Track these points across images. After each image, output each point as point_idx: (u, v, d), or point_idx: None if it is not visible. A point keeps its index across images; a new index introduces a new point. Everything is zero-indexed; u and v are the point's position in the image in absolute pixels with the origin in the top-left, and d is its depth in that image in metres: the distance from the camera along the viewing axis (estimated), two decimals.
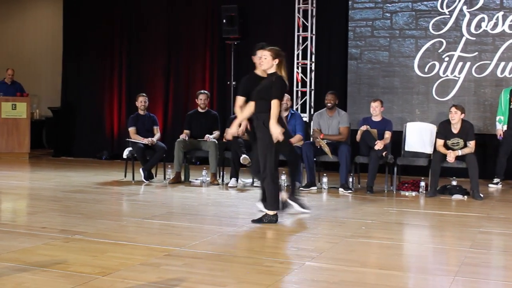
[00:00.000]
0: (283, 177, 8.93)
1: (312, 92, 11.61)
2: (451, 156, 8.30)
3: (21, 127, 12.80)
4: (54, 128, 14.39)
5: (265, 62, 6.16)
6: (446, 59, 10.65)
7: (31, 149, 13.08)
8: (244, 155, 8.59)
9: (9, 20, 16.02)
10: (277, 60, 6.13)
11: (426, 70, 10.78)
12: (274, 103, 6.04)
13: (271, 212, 6.19)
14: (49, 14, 15.55)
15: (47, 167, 11.63)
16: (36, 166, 11.75)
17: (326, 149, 8.70)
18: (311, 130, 9.51)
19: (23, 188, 9.00)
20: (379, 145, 8.53)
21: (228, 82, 12.06)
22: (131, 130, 9.67)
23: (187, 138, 9.44)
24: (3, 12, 16.00)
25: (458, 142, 8.44)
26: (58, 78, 14.19)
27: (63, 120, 13.90)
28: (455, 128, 8.44)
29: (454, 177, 8.68)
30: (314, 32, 11.57)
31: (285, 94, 9.46)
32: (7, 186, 9.00)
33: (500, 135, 9.49)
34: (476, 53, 10.49)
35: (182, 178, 9.45)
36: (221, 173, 9.52)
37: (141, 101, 9.82)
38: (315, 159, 8.92)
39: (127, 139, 9.77)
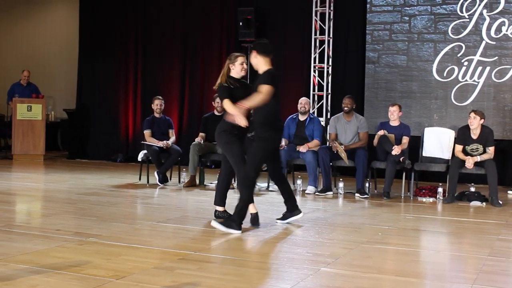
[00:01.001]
0: (299, 181, 8.95)
1: (329, 96, 11.59)
2: (469, 162, 8.25)
3: (36, 128, 12.88)
4: (69, 130, 14.48)
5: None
6: (466, 63, 10.60)
7: (46, 151, 13.15)
8: None
9: (25, 21, 16.14)
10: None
11: (445, 74, 10.73)
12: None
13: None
14: (65, 15, 15.65)
15: (61, 169, 11.70)
16: (51, 168, 11.82)
17: (343, 154, 8.68)
18: (327, 135, 9.50)
19: (38, 190, 9.05)
20: (396, 150, 8.50)
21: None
22: (146, 132, 9.70)
23: (202, 141, 9.45)
24: (19, 14, 16.13)
25: (477, 148, 8.39)
26: (74, 80, 14.28)
27: (78, 122, 13.99)
28: (474, 134, 8.39)
29: (472, 184, 8.63)
30: (331, 35, 11.56)
31: (304, 97, 9.50)
32: (22, 188, 9.07)
33: None
34: (496, 57, 10.43)
35: (197, 181, 9.47)
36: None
37: (157, 104, 9.85)
38: (331, 163, 8.91)
39: (142, 142, 9.80)
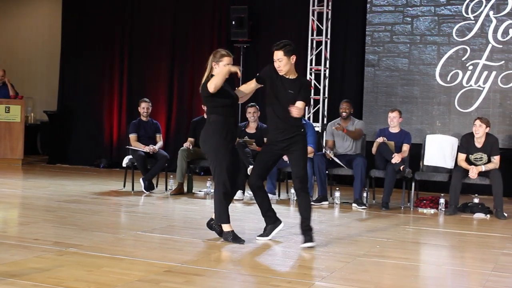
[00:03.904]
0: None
1: (326, 100, 11.62)
2: (473, 172, 8.27)
3: (14, 131, 12.85)
4: (49, 133, 14.45)
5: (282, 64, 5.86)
6: (470, 67, 10.65)
7: (25, 155, 13.13)
8: (251, 166, 8.57)
9: (4, 18, 16.11)
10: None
11: (448, 79, 10.77)
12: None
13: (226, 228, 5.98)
14: (46, 11, 15.63)
15: (41, 174, 11.67)
16: (30, 174, 11.79)
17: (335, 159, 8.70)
18: (324, 141, 9.50)
19: (15, 197, 9.02)
20: (396, 159, 8.52)
21: (236, 88, 12.06)
22: (132, 137, 9.68)
23: (191, 146, 9.44)
24: None
25: (481, 157, 8.42)
26: (55, 80, 14.26)
27: (59, 124, 13.96)
28: (479, 142, 8.42)
29: (476, 194, 8.65)
30: (329, 36, 11.59)
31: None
32: None
33: None
34: (503, 61, 10.48)
35: (185, 189, 9.46)
36: None
37: (144, 107, 9.83)
38: (327, 171, 8.92)
39: (127, 147, 9.78)
